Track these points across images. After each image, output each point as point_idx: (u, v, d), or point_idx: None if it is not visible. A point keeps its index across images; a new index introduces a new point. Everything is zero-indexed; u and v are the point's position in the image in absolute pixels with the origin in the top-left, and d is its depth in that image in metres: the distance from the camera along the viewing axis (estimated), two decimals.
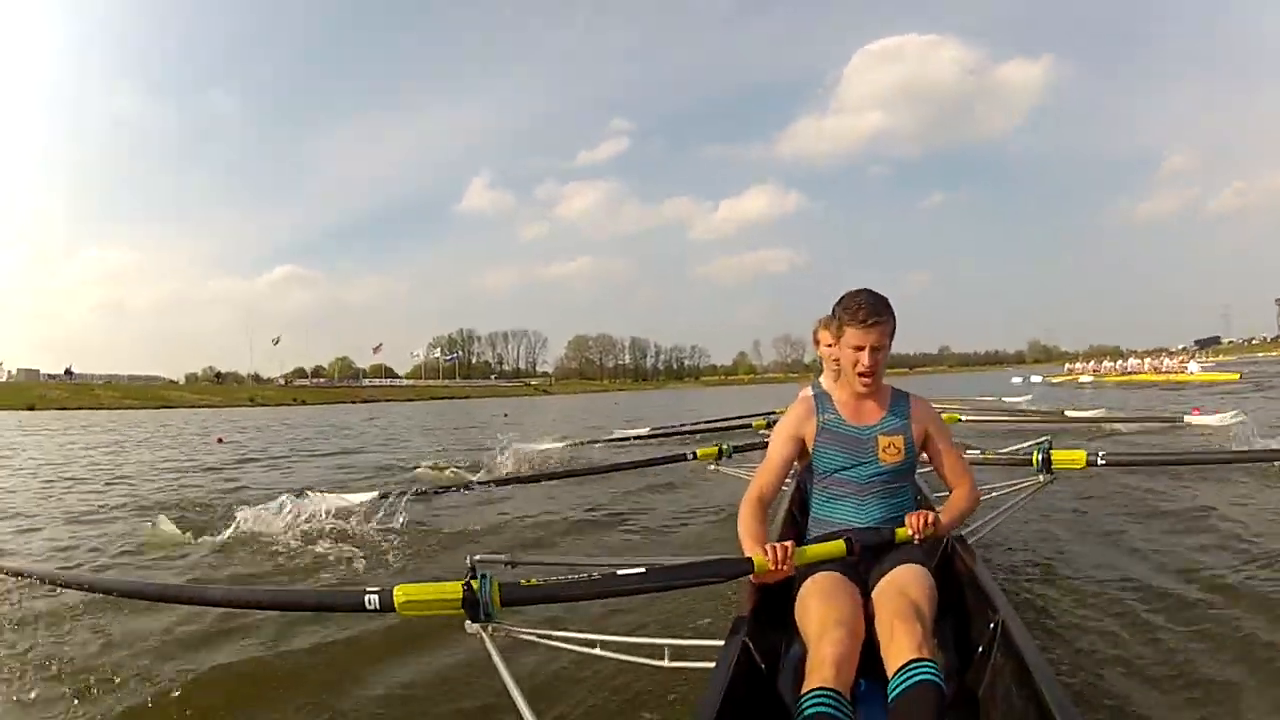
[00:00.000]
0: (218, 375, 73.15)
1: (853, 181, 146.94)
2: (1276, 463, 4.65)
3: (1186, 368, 26.11)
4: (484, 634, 1.77)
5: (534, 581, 1.76)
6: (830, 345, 2.39)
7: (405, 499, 4.62)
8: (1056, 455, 2.92)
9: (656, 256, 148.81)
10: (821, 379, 2.53)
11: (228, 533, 4.36)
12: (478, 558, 1.96)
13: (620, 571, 1.81)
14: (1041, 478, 2.96)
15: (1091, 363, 38.31)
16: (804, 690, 1.49)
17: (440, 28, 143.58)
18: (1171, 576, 2.98)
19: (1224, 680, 2.09)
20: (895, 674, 1.50)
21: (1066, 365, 44.03)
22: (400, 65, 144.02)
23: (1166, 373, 26.16)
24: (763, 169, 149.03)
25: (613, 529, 4.73)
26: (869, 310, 1.94)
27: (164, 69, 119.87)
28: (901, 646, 1.53)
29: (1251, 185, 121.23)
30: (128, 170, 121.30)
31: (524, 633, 1.86)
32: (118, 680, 2.39)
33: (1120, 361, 34.19)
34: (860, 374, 1.98)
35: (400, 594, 1.68)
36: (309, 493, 4.84)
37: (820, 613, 1.65)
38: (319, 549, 4.03)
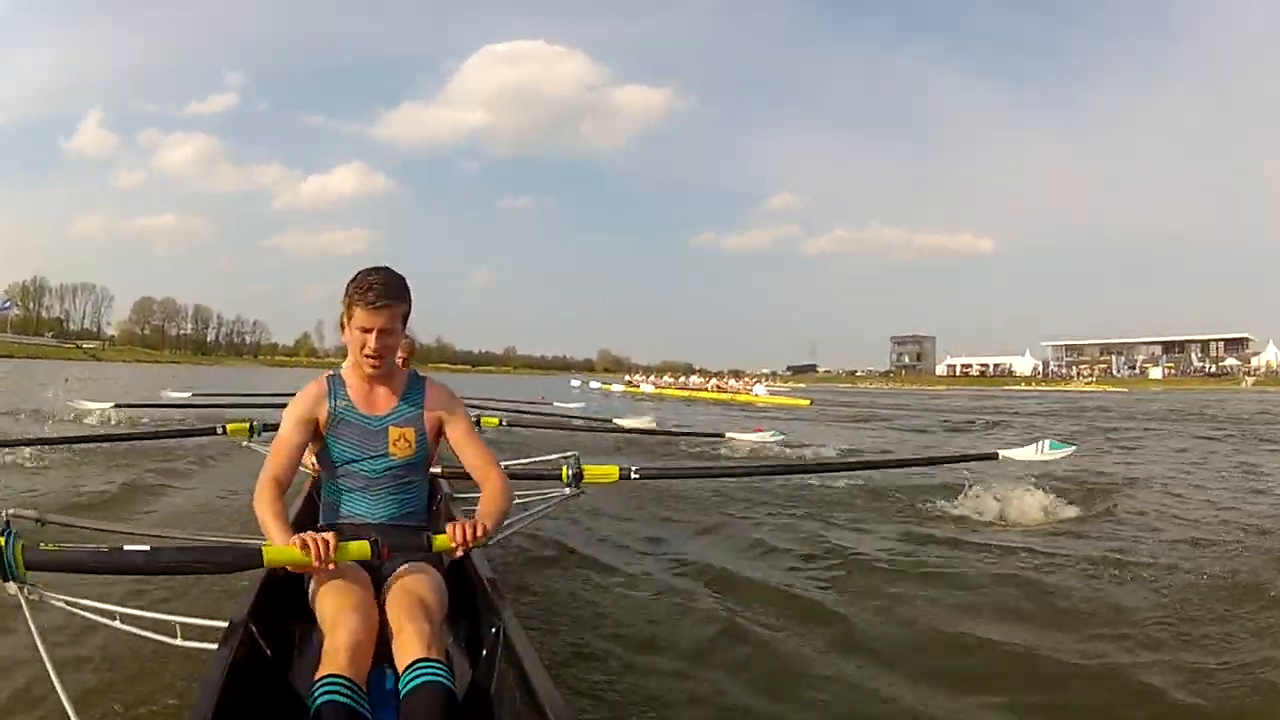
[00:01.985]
0: None
1: (444, 172, 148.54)
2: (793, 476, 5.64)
3: (753, 390, 26.76)
4: (20, 595, 1.63)
5: (52, 547, 1.60)
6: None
7: None
8: (588, 470, 2.87)
9: (238, 221, 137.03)
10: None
11: None
12: (10, 511, 1.82)
13: (128, 547, 1.62)
14: (568, 490, 2.93)
15: (652, 376, 39.54)
16: (317, 676, 1.48)
17: None
18: (679, 575, 3.48)
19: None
20: (405, 671, 1.52)
21: (626, 376, 44.22)
22: None
23: (731, 392, 27.09)
24: (358, 147, 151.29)
25: (158, 498, 4.62)
26: (379, 292, 1.84)
27: None
28: (411, 645, 1.55)
29: (852, 234, 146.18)
30: None
31: (54, 598, 1.71)
32: None
33: (683, 378, 36.57)
34: (367, 356, 1.87)
35: None
36: None
37: (336, 601, 1.62)
38: None
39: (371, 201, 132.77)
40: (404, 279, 1.91)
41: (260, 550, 1.61)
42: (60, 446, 5.63)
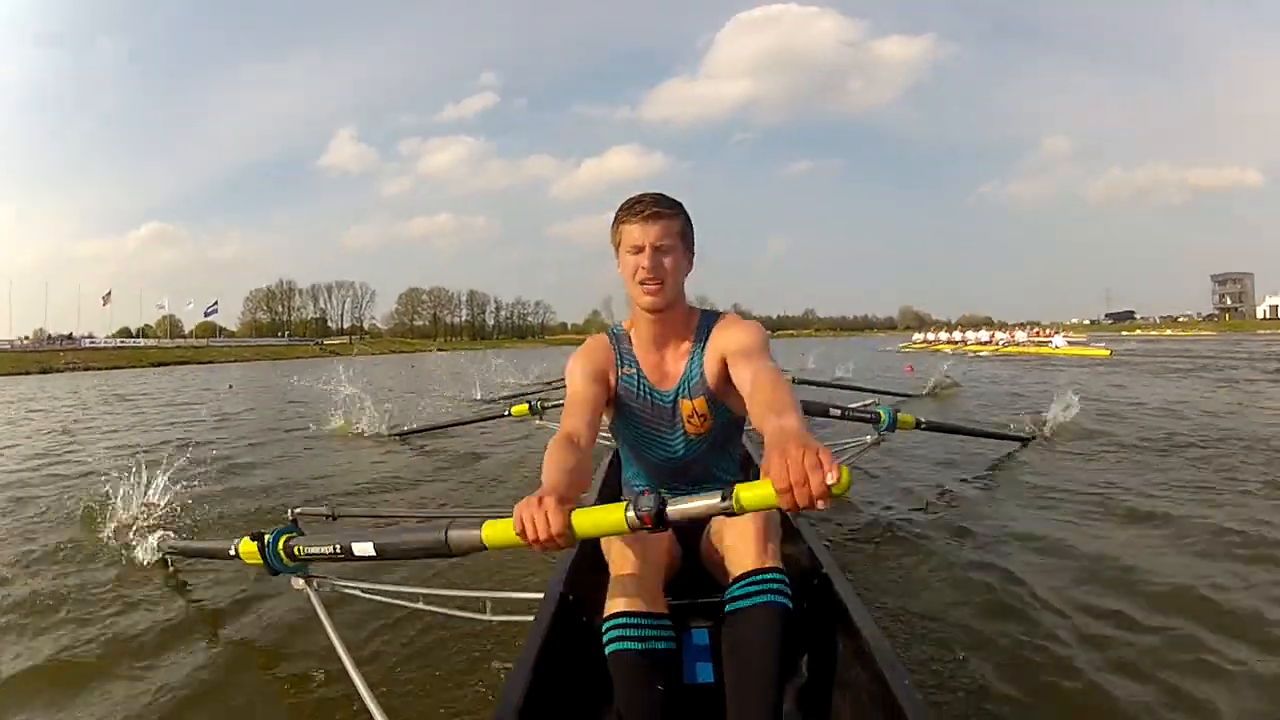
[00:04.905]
0: (48, 338, 67.85)
1: (719, 145, 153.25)
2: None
3: (1051, 342, 25.25)
4: (308, 588, 1.75)
5: (310, 551, 1.57)
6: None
7: None
8: (901, 417, 3.47)
9: (517, 214, 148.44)
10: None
11: None
12: (298, 509, 1.92)
13: (356, 545, 1.43)
14: (870, 437, 3.39)
15: (943, 333, 37.59)
16: (604, 616, 1.34)
17: None
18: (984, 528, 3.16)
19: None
20: (733, 583, 1.33)
21: (915, 335, 42.83)
22: (280, 12, 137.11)
23: (1020, 346, 25.90)
24: (628, 130, 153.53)
25: (442, 484, 4.80)
26: (649, 201, 1.56)
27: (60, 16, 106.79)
28: (743, 558, 1.36)
29: (1130, 174, 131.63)
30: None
31: (347, 586, 1.83)
32: None
33: (976, 333, 33.85)
34: (642, 284, 1.54)
35: (244, 545, 1.75)
36: None
37: (623, 539, 1.42)
38: None
39: (650, 180, 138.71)
40: (678, 201, 1.61)
41: (480, 534, 1.26)
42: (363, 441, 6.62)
